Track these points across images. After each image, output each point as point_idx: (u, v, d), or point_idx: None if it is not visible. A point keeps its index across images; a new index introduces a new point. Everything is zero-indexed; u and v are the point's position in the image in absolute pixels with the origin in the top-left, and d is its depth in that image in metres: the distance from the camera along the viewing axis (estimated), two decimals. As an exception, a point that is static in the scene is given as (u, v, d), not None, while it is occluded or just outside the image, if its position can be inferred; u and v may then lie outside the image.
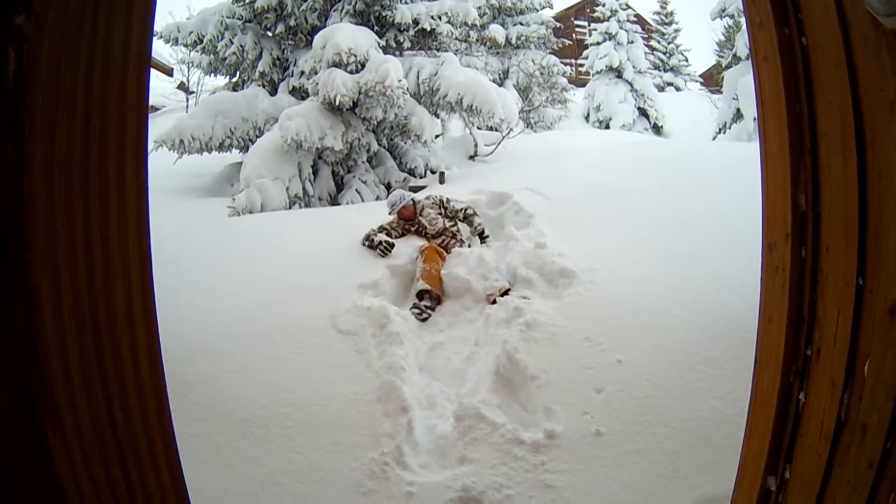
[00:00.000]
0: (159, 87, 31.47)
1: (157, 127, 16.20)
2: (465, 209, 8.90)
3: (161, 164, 13.24)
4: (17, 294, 1.78)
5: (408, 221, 8.76)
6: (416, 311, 6.95)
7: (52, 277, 1.91)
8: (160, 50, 23.79)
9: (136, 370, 2.29)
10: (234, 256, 7.78)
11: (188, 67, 27.65)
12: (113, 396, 2.17)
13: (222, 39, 16.06)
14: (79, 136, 1.99)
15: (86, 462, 2.03)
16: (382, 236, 8.16)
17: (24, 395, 1.81)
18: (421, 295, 7.26)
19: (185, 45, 17.07)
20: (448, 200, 8.97)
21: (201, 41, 16.38)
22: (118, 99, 2.15)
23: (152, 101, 29.58)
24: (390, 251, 7.97)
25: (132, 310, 2.27)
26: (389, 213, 8.71)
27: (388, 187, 14.50)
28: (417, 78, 14.67)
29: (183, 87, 31.22)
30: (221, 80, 19.25)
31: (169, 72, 29.82)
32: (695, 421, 4.46)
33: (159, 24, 17.03)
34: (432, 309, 7.19)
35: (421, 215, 8.77)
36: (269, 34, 16.49)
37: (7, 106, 1.73)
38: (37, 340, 1.83)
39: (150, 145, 12.61)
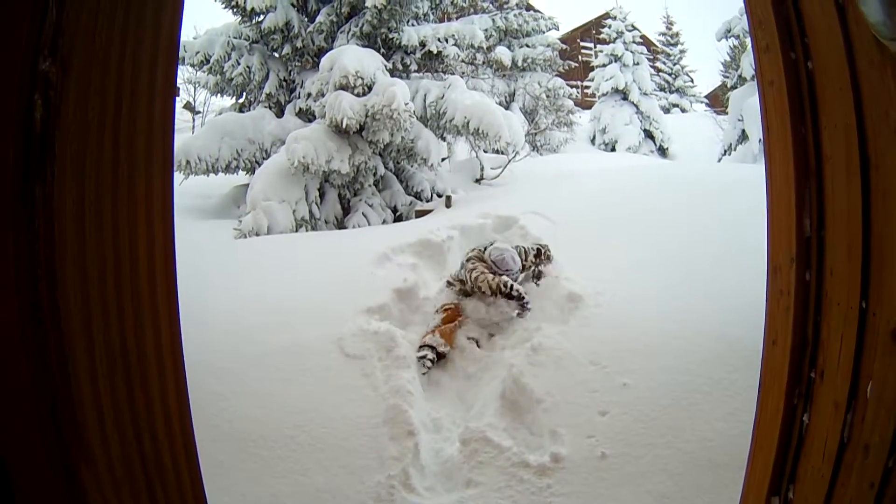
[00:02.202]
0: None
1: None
2: (538, 252, 7.80)
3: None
4: (50, 339, 1.82)
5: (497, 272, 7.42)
6: (429, 363, 6.41)
7: (84, 321, 1.95)
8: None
9: (164, 403, 2.36)
10: (241, 278, 7.80)
11: (195, 87, 27.71)
12: (142, 430, 2.23)
13: (229, 60, 16.03)
14: (108, 177, 2.03)
15: (117, 494, 2.09)
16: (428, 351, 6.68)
17: (58, 436, 1.86)
18: (423, 349, 6.66)
19: (192, 65, 16.96)
20: (527, 252, 7.75)
21: (208, 61, 16.31)
22: (146, 135, 2.20)
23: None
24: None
25: (161, 347, 2.34)
26: (497, 269, 7.42)
27: (395, 211, 14.53)
28: (424, 101, 14.67)
29: (189, 106, 31.28)
30: (228, 101, 19.24)
31: (175, 91, 29.91)
32: (699, 442, 4.48)
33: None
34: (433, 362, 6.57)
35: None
36: (276, 55, 16.50)
37: (35, 153, 1.76)
38: (70, 383, 1.88)
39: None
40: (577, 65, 34.05)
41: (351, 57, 13.31)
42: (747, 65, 21.94)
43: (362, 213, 13.81)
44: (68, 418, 1.89)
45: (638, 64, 34.81)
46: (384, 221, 13.92)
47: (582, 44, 47.23)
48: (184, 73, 25.77)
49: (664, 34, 47.79)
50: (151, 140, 2.21)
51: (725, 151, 23.76)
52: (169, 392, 2.36)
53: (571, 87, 31.94)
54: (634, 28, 36.10)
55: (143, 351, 2.22)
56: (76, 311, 1.92)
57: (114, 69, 2.03)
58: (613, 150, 32.24)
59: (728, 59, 34.14)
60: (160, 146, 2.25)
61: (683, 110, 44.69)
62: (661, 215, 8.83)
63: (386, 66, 14.18)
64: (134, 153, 2.13)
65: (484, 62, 21.09)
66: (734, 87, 24.43)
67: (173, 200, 2.37)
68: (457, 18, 19.24)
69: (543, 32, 27.04)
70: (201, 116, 29.65)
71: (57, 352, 1.84)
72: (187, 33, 27.59)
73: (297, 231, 12.67)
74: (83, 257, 1.95)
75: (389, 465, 4.75)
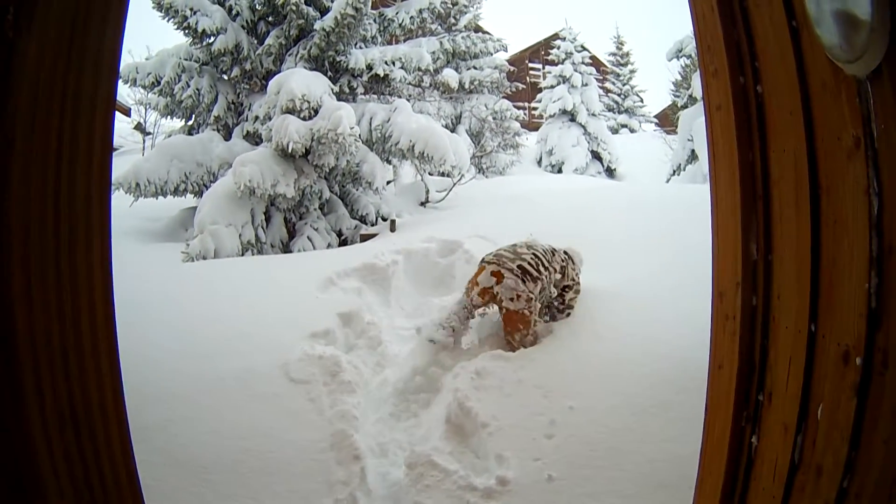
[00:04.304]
0: (117, 127, 31.12)
1: (114, 167, 16.14)
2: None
3: (117, 206, 13.09)
4: (6, 398, 1.95)
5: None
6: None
7: (36, 381, 2.05)
8: (118, 88, 23.49)
9: (110, 449, 2.43)
10: (189, 302, 7.79)
11: (145, 109, 27.57)
12: (92, 474, 2.31)
13: (179, 82, 15.93)
14: (50, 244, 2.12)
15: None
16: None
17: (16, 484, 1.99)
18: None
19: (143, 87, 16.80)
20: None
21: (158, 83, 16.20)
22: (84, 199, 2.27)
23: (108, 141, 29.64)
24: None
25: (105, 401, 2.40)
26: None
27: (340, 234, 14.54)
28: (370, 124, 14.74)
29: (140, 128, 31.07)
30: (178, 123, 19.14)
31: (126, 112, 29.60)
32: (649, 463, 4.52)
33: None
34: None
35: None
36: (225, 78, 16.44)
37: None
38: (27, 438, 2.00)
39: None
40: (524, 86, 34.08)
41: (298, 80, 13.38)
42: (698, 84, 22.08)
43: (307, 237, 13.82)
44: (27, 471, 2.00)
45: (587, 85, 34.99)
46: (329, 245, 13.93)
47: (530, 65, 47.42)
48: (135, 94, 25.70)
49: (614, 54, 48.18)
50: (90, 204, 2.30)
51: (674, 171, 23.83)
52: (113, 440, 2.44)
53: (519, 108, 32.15)
54: (584, 49, 36.26)
55: (88, 405, 2.29)
56: (28, 372, 2.00)
57: (53, 142, 2.11)
58: (560, 171, 32.33)
59: (679, 78, 34.34)
60: (98, 209, 2.34)
61: (633, 130, 45.10)
62: (607, 238, 8.94)
63: (333, 90, 14.27)
64: (74, 218, 2.21)
65: (431, 84, 21.11)
66: (684, 107, 24.59)
67: (111, 262, 2.45)
68: (405, 41, 19.31)
69: (491, 54, 27.09)
70: (152, 138, 29.48)
71: (14, 409, 1.95)
72: (140, 52, 27.42)
73: (243, 255, 12.65)
74: (31, 322, 2.03)
75: (337, 489, 4.78)
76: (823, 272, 2.12)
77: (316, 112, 13.39)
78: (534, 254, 6.56)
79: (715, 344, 2.90)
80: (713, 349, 2.92)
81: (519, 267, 6.35)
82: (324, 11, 15.39)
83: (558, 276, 6.73)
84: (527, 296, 6.22)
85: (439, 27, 25.45)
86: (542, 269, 6.46)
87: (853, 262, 1.96)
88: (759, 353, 2.53)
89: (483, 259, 6.80)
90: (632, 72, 47.71)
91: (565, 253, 7.08)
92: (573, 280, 6.93)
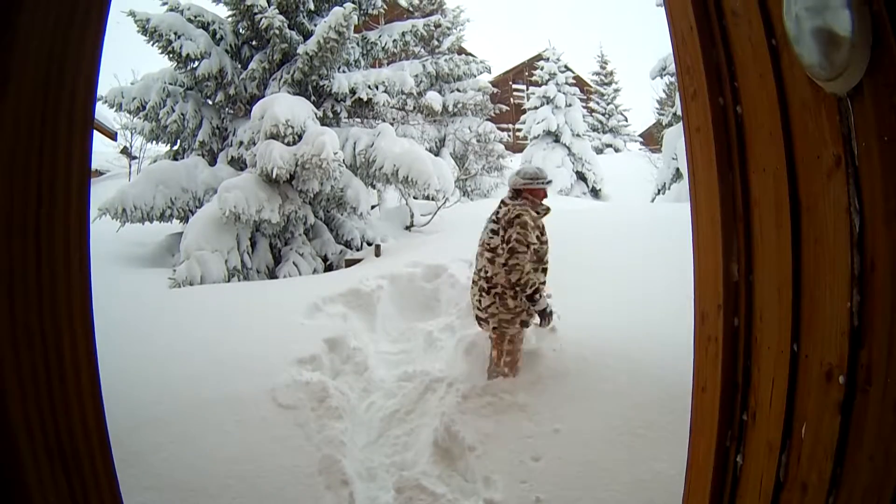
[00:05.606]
0: (104, 151, 31.06)
1: (100, 192, 16.08)
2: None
3: (104, 231, 13.08)
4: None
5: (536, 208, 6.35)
6: None
7: (25, 418, 2.09)
8: (104, 112, 23.23)
9: (96, 480, 2.45)
10: (176, 328, 7.82)
11: (131, 133, 27.49)
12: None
13: (164, 107, 15.84)
14: (33, 288, 2.16)
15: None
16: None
17: None
18: None
19: (129, 112, 16.69)
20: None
21: (144, 107, 16.14)
22: (63, 243, 2.29)
23: (97, 165, 29.49)
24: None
25: (89, 434, 2.42)
26: (521, 184, 6.46)
27: (325, 259, 14.57)
28: (354, 149, 14.80)
29: (126, 152, 31.00)
30: (163, 148, 19.09)
31: (112, 136, 29.48)
32: (636, 484, 4.52)
33: (104, 87, 16.72)
34: None
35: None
36: (210, 102, 16.41)
37: None
38: (19, 468, 2.04)
39: (94, 213, 12.47)
40: (508, 108, 34.02)
41: (282, 105, 13.40)
42: (682, 103, 22.03)
43: (293, 263, 13.84)
44: (20, 497, 2.03)
45: (570, 105, 34.76)
46: (315, 271, 13.93)
47: (514, 86, 47.32)
48: (121, 118, 25.62)
49: (598, 73, 48.14)
50: (69, 240, 2.32)
51: (659, 190, 23.82)
52: (98, 470, 2.47)
53: (503, 130, 31.89)
54: (567, 69, 36.03)
55: (73, 436, 2.32)
56: (17, 409, 2.04)
57: (33, 182, 2.15)
58: (545, 193, 32.20)
59: (664, 96, 34.25)
60: (77, 252, 2.37)
61: (617, 150, 45.04)
62: (591, 260, 8.89)
63: (316, 114, 14.31)
64: (53, 261, 2.24)
65: (414, 108, 21.12)
66: (669, 125, 24.52)
67: (91, 294, 2.46)
68: (388, 64, 19.31)
69: (475, 76, 27.09)
70: (138, 162, 29.42)
71: (5, 441, 1.99)
72: (125, 76, 27.44)
73: (229, 281, 12.65)
74: (19, 364, 2.07)
75: (327, 513, 4.74)
76: (805, 292, 2.11)
77: (300, 137, 13.44)
78: (481, 255, 6.34)
79: (698, 366, 2.88)
80: (696, 371, 2.90)
81: (480, 289, 6.21)
82: (307, 35, 15.41)
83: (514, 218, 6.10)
84: (503, 265, 5.96)
85: (422, 50, 25.44)
86: (489, 243, 6.23)
87: (835, 280, 1.94)
88: (742, 374, 2.52)
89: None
90: (616, 91, 47.66)
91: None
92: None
